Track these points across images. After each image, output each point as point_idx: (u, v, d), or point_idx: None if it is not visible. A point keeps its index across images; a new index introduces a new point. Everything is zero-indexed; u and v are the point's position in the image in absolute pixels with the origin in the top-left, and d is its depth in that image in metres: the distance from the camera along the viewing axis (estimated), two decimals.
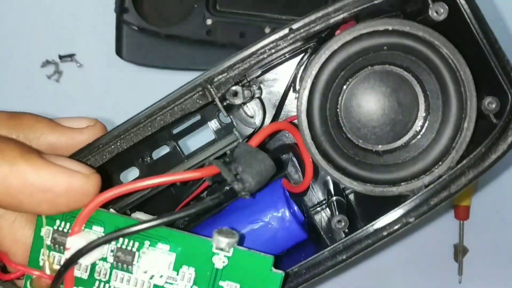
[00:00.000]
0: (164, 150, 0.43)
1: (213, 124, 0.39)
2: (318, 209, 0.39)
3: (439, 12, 0.32)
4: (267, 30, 0.55)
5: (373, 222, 0.32)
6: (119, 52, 0.60)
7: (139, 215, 0.35)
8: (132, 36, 0.59)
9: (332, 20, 0.32)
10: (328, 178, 0.41)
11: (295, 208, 0.37)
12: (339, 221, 0.34)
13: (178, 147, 0.42)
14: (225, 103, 0.34)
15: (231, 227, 0.37)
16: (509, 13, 0.57)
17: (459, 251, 0.56)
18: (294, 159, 0.38)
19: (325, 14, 0.32)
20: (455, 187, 0.31)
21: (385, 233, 0.32)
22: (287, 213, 0.37)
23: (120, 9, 0.59)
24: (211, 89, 0.33)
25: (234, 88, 0.33)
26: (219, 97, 0.34)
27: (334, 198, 0.38)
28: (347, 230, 0.35)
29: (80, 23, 0.63)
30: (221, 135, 0.39)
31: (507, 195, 0.56)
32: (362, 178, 0.33)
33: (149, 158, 0.42)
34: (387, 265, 0.58)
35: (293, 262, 0.35)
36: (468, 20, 0.31)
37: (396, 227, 0.32)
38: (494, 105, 0.32)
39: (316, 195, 0.40)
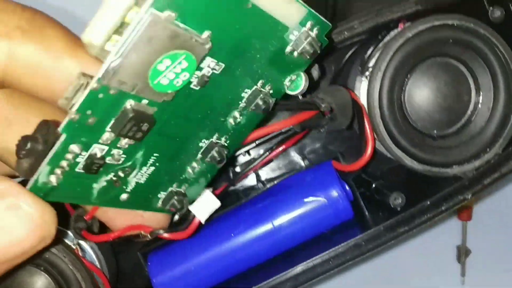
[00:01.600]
0: None
1: None
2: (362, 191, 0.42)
3: (495, 15, 0.36)
4: None
5: (430, 198, 0.35)
6: None
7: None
8: None
9: (408, 11, 0.35)
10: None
11: (346, 187, 0.40)
12: (396, 198, 0.37)
13: None
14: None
15: (285, 203, 0.39)
16: None
17: (462, 253, 0.56)
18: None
19: (403, 4, 0.35)
20: (506, 169, 0.35)
21: (443, 208, 0.35)
22: (339, 191, 0.38)
23: None
24: None
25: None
26: None
27: (381, 181, 0.41)
28: (399, 209, 0.37)
29: (78, 21, 0.62)
30: None
31: (510, 196, 0.57)
32: (420, 159, 0.36)
33: None
34: (389, 266, 0.58)
35: (342, 239, 0.37)
36: None
37: (453, 202, 0.35)
38: None
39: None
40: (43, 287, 0.36)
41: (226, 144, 0.29)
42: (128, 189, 0.28)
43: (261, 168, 0.41)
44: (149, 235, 0.31)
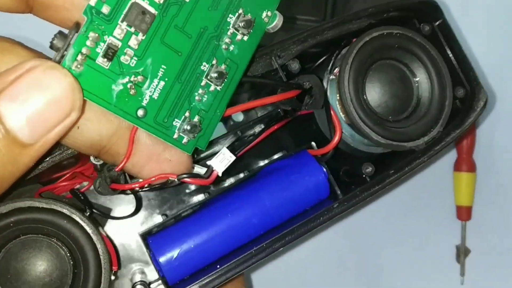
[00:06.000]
0: None
1: None
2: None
3: (425, 30, 0.48)
4: None
5: (394, 167, 0.44)
6: None
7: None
8: None
9: (363, 24, 0.46)
10: None
11: (323, 168, 0.46)
12: (367, 168, 0.44)
13: None
14: (285, 72, 0.44)
15: (271, 184, 0.45)
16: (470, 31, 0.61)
17: (461, 252, 0.57)
18: None
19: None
20: (448, 139, 0.45)
21: (406, 168, 0.43)
22: (318, 167, 0.45)
23: None
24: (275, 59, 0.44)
25: (293, 61, 0.44)
26: (281, 65, 0.44)
27: (347, 167, 0.48)
28: (368, 179, 0.45)
29: None
30: None
31: (510, 196, 0.59)
32: (383, 135, 0.45)
33: None
34: (388, 266, 0.58)
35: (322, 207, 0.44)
36: (442, 39, 0.48)
37: (413, 164, 0.43)
38: (461, 92, 0.47)
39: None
40: (53, 257, 0.37)
41: (224, 71, 0.36)
42: (144, 103, 0.34)
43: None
44: (176, 180, 0.35)
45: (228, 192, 0.45)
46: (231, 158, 0.37)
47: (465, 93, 0.48)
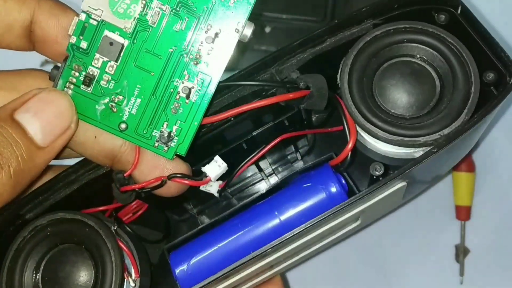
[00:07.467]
0: None
1: None
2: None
3: (440, 20, 0.44)
4: (267, 30, 0.55)
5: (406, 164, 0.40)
6: None
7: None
8: None
9: (365, 26, 0.45)
10: None
11: (342, 179, 0.45)
12: (376, 169, 0.41)
13: None
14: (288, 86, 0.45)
15: (287, 197, 0.45)
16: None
17: (461, 252, 0.56)
18: None
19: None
20: (470, 125, 0.40)
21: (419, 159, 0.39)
22: (336, 184, 0.44)
23: None
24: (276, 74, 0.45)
25: (294, 73, 0.45)
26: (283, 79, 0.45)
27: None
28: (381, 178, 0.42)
29: None
30: None
31: (509, 196, 0.58)
32: (394, 133, 0.42)
33: None
34: (387, 265, 0.58)
35: None
36: (465, 25, 0.44)
37: (427, 158, 0.39)
38: (492, 76, 0.42)
39: None
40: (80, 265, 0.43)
41: (194, 86, 0.39)
42: (124, 118, 0.39)
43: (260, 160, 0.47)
44: (167, 179, 0.39)
45: (242, 205, 0.46)
46: (223, 165, 0.40)
47: (497, 77, 0.42)
